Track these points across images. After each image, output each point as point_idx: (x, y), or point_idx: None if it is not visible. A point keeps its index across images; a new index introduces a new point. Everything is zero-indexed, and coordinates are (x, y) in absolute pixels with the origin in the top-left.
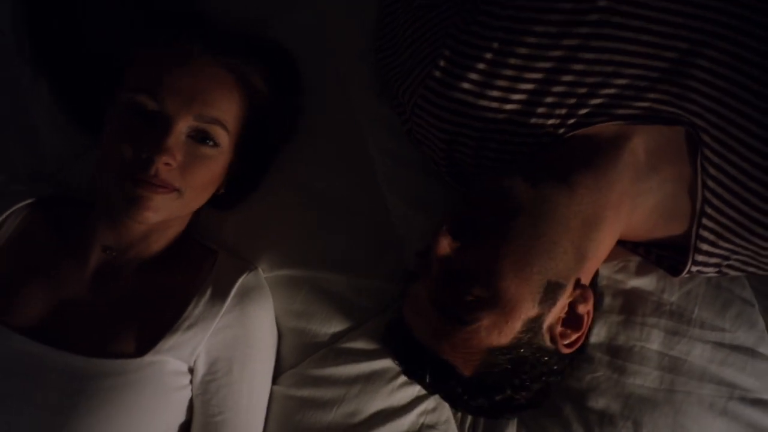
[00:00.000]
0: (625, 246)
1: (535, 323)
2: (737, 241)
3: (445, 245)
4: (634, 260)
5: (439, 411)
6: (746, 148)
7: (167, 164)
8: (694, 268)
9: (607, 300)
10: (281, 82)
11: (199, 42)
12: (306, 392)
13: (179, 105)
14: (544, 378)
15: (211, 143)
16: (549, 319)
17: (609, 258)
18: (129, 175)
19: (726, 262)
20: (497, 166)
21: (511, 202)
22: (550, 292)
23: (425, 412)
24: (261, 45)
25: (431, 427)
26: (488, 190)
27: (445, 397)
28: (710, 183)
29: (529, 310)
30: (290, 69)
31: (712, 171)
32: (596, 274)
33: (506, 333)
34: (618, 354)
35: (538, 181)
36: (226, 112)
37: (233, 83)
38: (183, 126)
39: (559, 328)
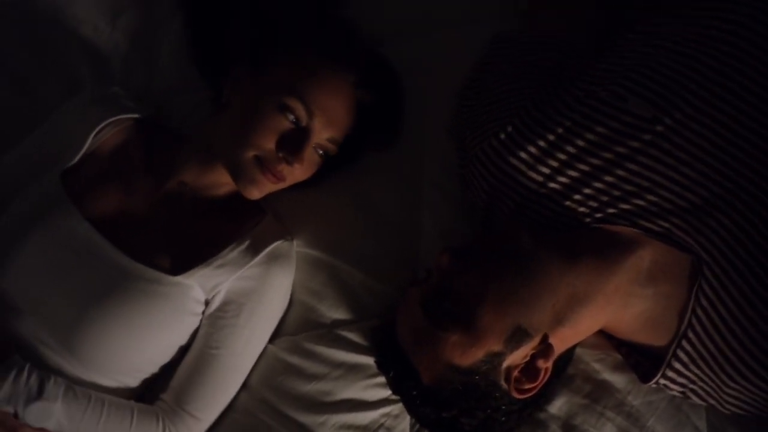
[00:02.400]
0: (611, 341)
1: (495, 358)
2: (707, 371)
3: (444, 261)
4: (615, 357)
5: (400, 419)
6: (741, 296)
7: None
8: (662, 381)
9: (578, 382)
10: (389, 117)
11: (354, 72)
12: (294, 360)
13: (322, 125)
14: (489, 411)
15: (324, 154)
16: (509, 360)
17: (594, 347)
18: (259, 160)
19: (691, 386)
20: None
21: (511, 247)
22: (517, 336)
23: (388, 415)
24: (387, 80)
25: (388, 429)
26: (496, 228)
27: (401, 397)
28: (699, 312)
29: (493, 344)
30: (400, 109)
31: (704, 302)
32: (573, 348)
33: (468, 356)
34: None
35: (543, 243)
36: (345, 133)
37: (356, 112)
38: (316, 140)
39: (516, 373)
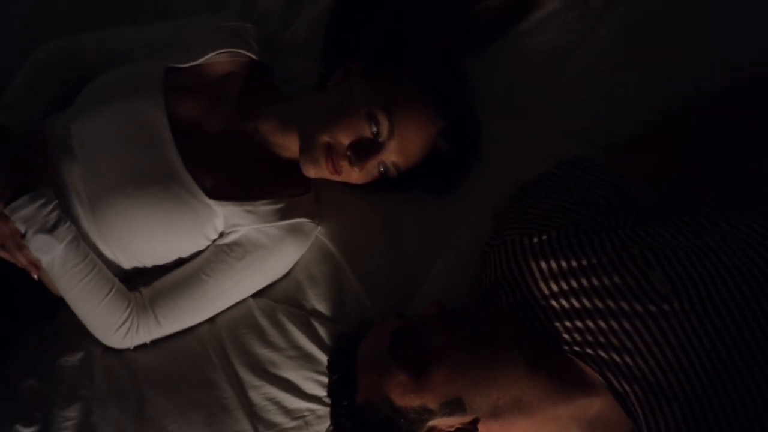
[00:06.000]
0: None
1: (426, 413)
2: None
3: (431, 311)
4: None
5: (321, 420)
6: None
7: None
8: None
9: None
10: (453, 174)
11: (445, 120)
12: (264, 322)
13: (395, 149)
14: None
15: (383, 172)
16: (437, 421)
17: None
18: (329, 147)
19: None
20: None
21: (490, 332)
22: (454, 405)
23: (313, 413)
24: (469, 143)
25: (307, 424)
26: (487, 309)
27: (332, 402)
28: None
29: (430, 401)
30: (466, 172)
31: None
32: None
33: (405, 398)
34: None
35: (518, 343)
36: (410, 166)
37: (428, 154)
38: (383, 158)
39: None
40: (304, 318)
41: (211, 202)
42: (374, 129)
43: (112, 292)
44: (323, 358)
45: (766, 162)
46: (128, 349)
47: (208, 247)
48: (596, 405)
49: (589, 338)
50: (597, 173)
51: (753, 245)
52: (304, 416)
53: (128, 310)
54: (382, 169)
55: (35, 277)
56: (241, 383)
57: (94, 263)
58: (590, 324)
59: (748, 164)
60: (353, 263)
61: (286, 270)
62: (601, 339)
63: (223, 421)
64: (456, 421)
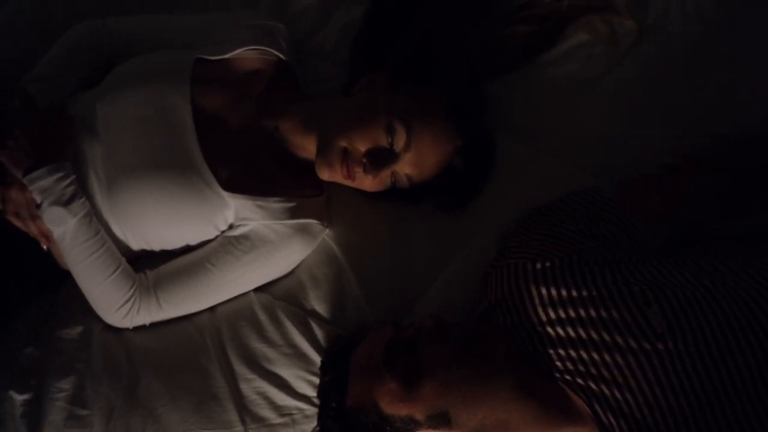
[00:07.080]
0: None
1: (411, 424)
2: None
3: (428, 323)
4: None
5: (308, 420)
6: None
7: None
8: None
9: None
10: (464, 192)
11: (463, 139)
12: (263, 317)
13: (410, 161)
14: None
15: (395, 182)
16: None
17: None
18: (345, 152)
19: None
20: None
21: (484, 350)
22: (440, 419)
23: (301, 412)
24: (483, 164)
25: (294, 422)
26: (485, 326)
27: (321, 403)
28: None
29: (418, 412)
30: (476, 191)
31: None
32: None
33: (393, 406)
34: None
35: (511, 364)
36: (422, 180)
37: (443, 170)
38: (397, 168)
39: None
40: (303, 317)
41: (225, 193)
42: (390, 140)
43: (117, 271)
44: (317, 359)
45: None
46: (127, 329)
47: (216, 237)
48: None
49: (581, 368)
50: (606, 208)
51: (753, 296)
52: (292, 414)
53: (131, 290)
54: (393, 179)
55: (45, 247)
56: (234, 374)
57: (104, 241)
58: (584, 354)
59: (761, 214)
60: (357, 268)
61: (290, 268)
62: (593, 370)
63: (212, 410)
64: None
